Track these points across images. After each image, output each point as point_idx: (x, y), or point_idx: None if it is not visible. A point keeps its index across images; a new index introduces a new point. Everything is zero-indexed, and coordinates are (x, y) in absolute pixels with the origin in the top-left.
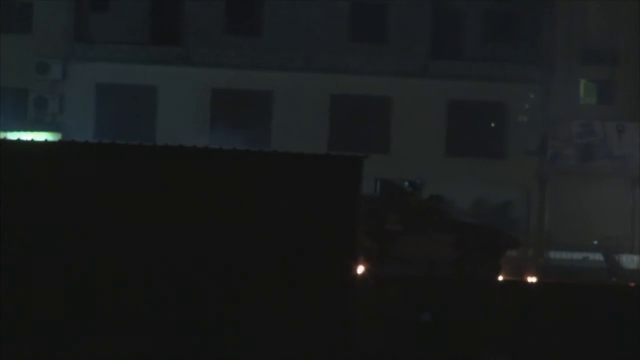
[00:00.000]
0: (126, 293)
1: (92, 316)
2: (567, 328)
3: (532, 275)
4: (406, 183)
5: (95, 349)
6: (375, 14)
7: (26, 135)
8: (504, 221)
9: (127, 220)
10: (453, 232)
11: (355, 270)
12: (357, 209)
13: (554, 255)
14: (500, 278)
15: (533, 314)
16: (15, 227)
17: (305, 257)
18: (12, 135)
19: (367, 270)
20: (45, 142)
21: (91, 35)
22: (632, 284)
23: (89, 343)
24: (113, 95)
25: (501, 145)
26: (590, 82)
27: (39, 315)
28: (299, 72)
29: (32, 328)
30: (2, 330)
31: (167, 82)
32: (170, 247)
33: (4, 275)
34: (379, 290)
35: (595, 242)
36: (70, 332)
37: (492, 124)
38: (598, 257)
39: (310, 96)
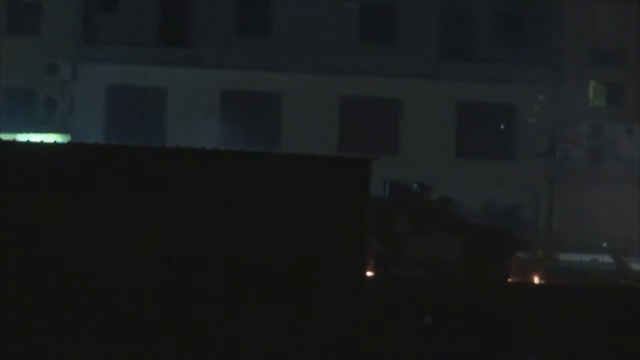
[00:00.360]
0: (131, 294)
1: (92, 317)
2: (575, 329)
3: (540, 277)
4: (415, 185)
5: (94, 350)
6: (384, 15)
7: (35, 137)
8: (512, 223)
9: (134, 221)
10: (462, 234)
11: (364, 272)
12: (366, 211)
13: (563, 257)
14: (509, 280)
15: (541, 316)
16: (20, 228)
17: (314, 259)
18: (22, 137)
19: (375, 272)
20: (55, 144)
21: (100, 37)
22: None
23: (89, 345)
24: (122, 97)
25: (510, 146)
26: (599, 84)
27: (40, 316)
28: (308, 74)
29: (32, 329)
30: (2, 330)
31: (177, 84)
32: (177, 249)
33: (4, 275)
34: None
35: (604, 244)
36: (70, 333)
37: (501, 126)
38: (607, 259)
39: (319, 98)
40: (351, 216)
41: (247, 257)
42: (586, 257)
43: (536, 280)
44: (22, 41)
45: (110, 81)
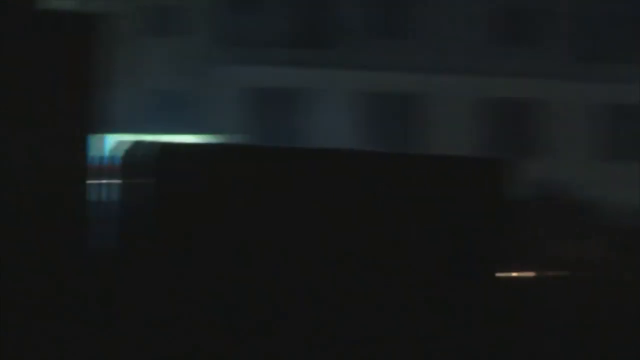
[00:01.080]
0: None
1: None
2: None
3: None
4: (559, 186)
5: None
6: (525, 16)
7: (179, 138)
8: None
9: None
10: (609, 235)
11: (496, 274)
12: (504, 212)
13: None
14: None
15: None
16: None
17: (449, 263)
18: (165, 138)
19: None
20: (207, 145)
21: (241, 39)
22: None
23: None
24: (263, 98)
25: None
26: None
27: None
28: (446, 75)
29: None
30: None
31: (316, 85)
32: (305, 249)
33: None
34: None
35: None
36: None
37: None
38: None
39: (458, 99)
40: (488, 218)
41: (384, 258)
42: None
43: None
44: (164, 42)
45: (250, 83)
